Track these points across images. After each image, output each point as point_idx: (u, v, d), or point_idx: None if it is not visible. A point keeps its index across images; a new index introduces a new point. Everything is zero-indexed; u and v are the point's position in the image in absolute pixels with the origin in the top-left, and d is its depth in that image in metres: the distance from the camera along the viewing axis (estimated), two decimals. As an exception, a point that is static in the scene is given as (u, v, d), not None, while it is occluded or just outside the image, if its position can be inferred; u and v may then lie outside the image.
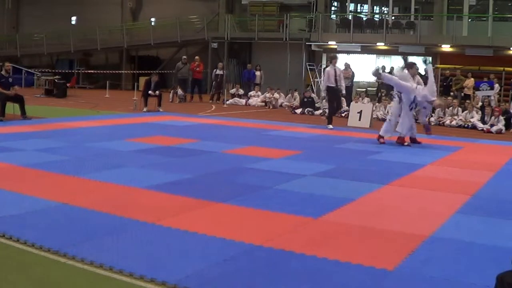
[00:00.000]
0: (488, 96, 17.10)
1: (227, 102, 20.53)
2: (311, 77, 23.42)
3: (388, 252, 4.39)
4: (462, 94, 19.29)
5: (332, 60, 13.80)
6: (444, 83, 19.08)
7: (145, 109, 16.34)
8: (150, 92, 16.51)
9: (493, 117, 14.94)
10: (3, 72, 13.02)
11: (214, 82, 22.42)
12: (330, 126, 13.55)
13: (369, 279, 3.82)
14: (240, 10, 27.70)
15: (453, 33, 21.71)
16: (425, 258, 4.26)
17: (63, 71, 26.38)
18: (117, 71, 27.22)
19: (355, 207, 5.83)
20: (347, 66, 20.81)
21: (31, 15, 31.56)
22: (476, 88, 18.30)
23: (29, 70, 26.72)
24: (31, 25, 30.98)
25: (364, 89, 20.98)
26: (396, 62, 21.81)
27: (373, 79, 22.49)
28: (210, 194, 6.09)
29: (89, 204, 5.45)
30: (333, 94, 13.69)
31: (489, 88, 17.86)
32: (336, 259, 4.16)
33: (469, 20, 23.04)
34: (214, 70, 22.53)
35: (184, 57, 22.47)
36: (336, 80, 13.36)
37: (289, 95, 20.44)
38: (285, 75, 23.82)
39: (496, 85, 18.89)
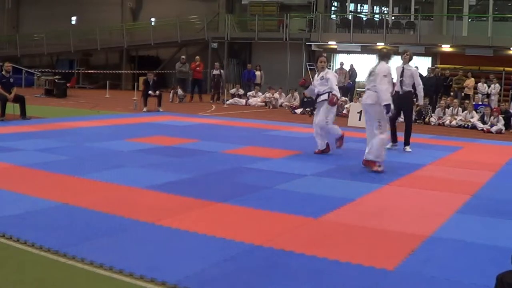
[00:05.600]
0: (488, 98, 17.15)
1: (227, 102, 20.53)
2: (311, 77, 23.38)
3: (388, 252, 4.39)
4: (462, 94, 19.30)
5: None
6: (444, 83, 19.07)
7: (145, 109, 16.33)
8: (150, 92, 16.51)
9: (492, 117, 14.97)
10: (3, 73, 13.01)
11: (212, 82, 22.48)
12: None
13: (369, 279, 3.82)
14: (240, 10, 27.71)
15: (453, 33, 21.71)
16: (425, 258, 4.26)
17: (63, 71, 26.39)
18: (117, 71, 27.24)
19: (355, 207, 5.83)
20: (342, 65, 20.90)
21: (31, 15, 31.56)
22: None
23: (29, 70, 26.73)
24: (31, 25, 30.98)
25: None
26: (396, 62, 21.74)
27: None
28: (210, 194, 6.08)
29: (89, 204, 5.45)
30: None
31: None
32: (336, 259, 4.16)
33: (469, 20, 23.03)
34: (212, 70, 22.58)
35: (183, 57, 22.48)
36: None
37: (289, 95, 20.44)
38: (285, 75, 23.82)
39: (497, 85, 18.93)
